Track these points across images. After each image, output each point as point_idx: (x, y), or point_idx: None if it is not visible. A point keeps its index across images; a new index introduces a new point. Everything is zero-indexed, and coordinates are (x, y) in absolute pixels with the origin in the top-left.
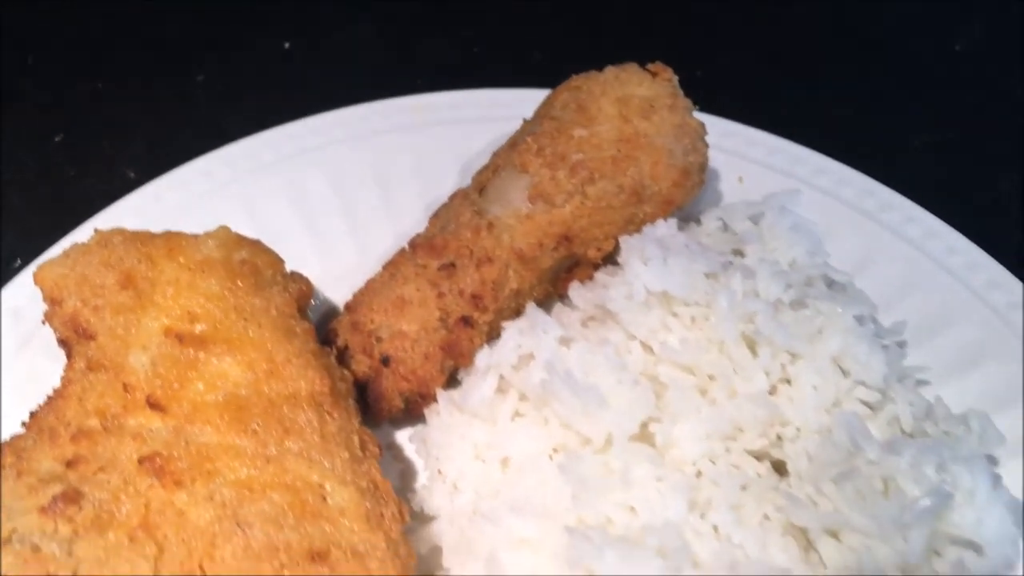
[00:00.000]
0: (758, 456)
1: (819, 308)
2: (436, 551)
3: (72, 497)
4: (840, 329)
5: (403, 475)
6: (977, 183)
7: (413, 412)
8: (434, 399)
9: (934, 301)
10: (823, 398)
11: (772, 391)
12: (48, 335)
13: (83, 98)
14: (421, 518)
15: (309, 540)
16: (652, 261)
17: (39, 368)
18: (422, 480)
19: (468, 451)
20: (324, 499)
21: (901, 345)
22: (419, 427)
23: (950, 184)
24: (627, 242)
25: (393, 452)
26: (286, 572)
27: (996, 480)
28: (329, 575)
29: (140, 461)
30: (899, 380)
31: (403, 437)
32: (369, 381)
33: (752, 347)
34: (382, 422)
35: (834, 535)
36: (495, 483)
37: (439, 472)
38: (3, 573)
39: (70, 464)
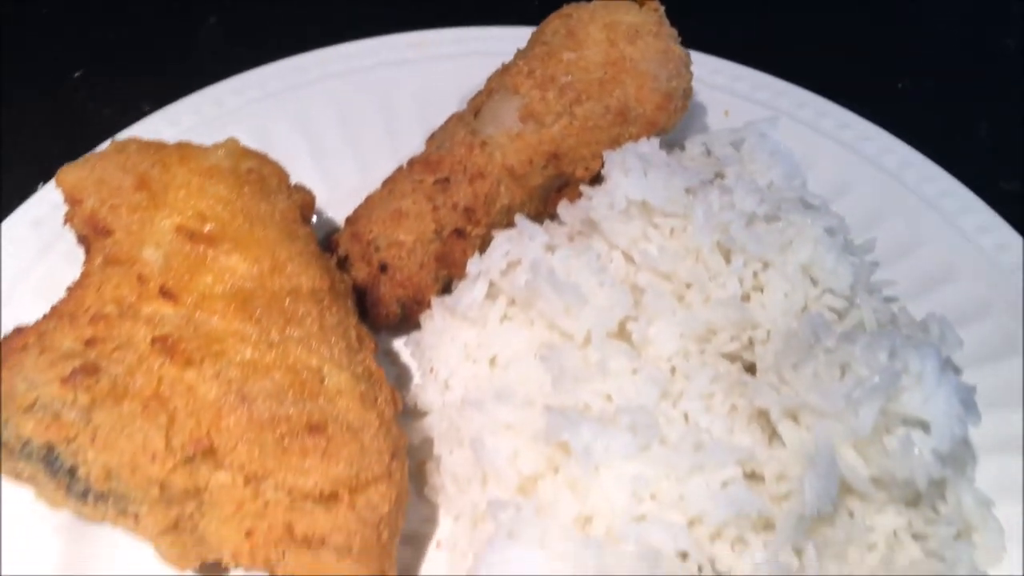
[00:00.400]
0: (731, 358)
1: (791, 220)
2: (428, 442)
3: (90, 370)
4: (810, 239)
5: (399, 377)
6: (956, 127)
7: (409, 318)
8: (428, 305)
9: (906, 225)
10: (792, 303)
11: (745, 298)
12: (66, 243)
13: (102, 38)
14: (414, 413)
15: (307, 415)
16: (633, 172)
17: (58, 272)
18: (416, 380)
19: (459, 351)
20: (322, 381)
21: (873, 265)
22: (414, 333)
23: (930, 127)
24: (610, 156)
25: (390, 358)
26: (286, 441)
27: (944, 365)
28: (325, 445)
29: (153, 342)
30: (866, 290)
31: (399, 344)
32: (368, 287)
33: (726, 255)
34: (380, 329)
35: (793, 417)
36: (483, 379)
37: (431, 371)
38: (27, 437)
39: (88, 343)
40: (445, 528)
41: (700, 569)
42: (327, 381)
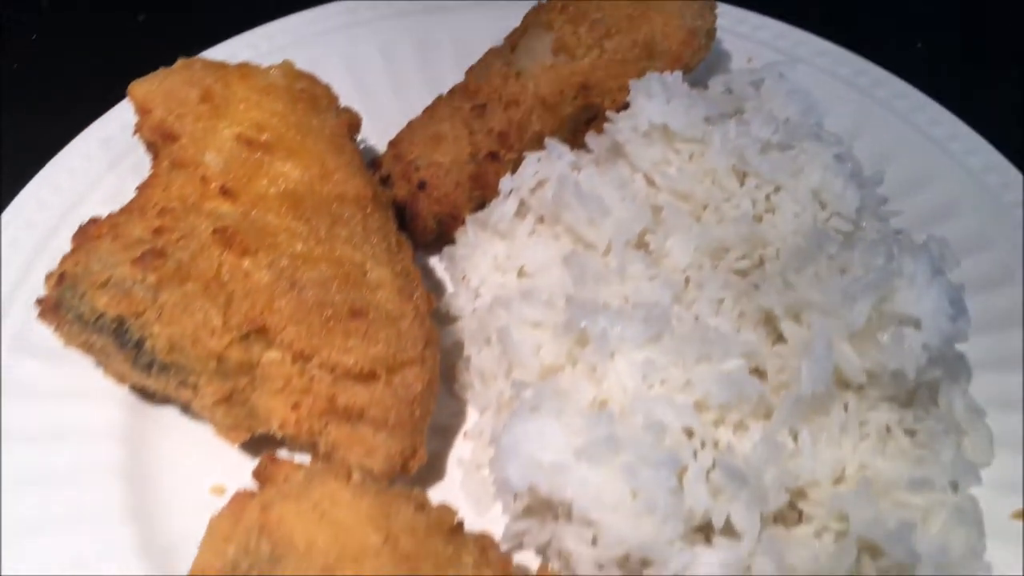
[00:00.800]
0: (741, 275)
1: (803, 148)
2: (458, 345)
3: (158, 253)
4: (820, 165)
5: (433, 288)
6: (975, 85)
7: (444, 235)
8: (462, 222)
9: (915, 164)
10: (801, 224)
11: (757, 219)
12: (133, 158)
13: None
14: (446, 319)
15: (350, 302)
16: (656, 98)
17: (126, 184)
18: (449, 290)
19: (489, 263)
20: (364, 274)
21: (881, 198)
22: (447, 247)
23: (949, 84)
24: (635, 83)
25: (425, 272)
26: (331, 323)
27: (937, 268)
28: (366, 328)
29: (214, 232)
30: (872, 216)
31: (434, 261)
32: (407, 203)
33: (741, 178)
34: (418, 246)
35: (795, 317)
36: (511, 286)
37: (463, 278)
38: (101, 310)
39: (156, 232)
40: (472, 420)
41: (702, 446)
42: (369, 275)
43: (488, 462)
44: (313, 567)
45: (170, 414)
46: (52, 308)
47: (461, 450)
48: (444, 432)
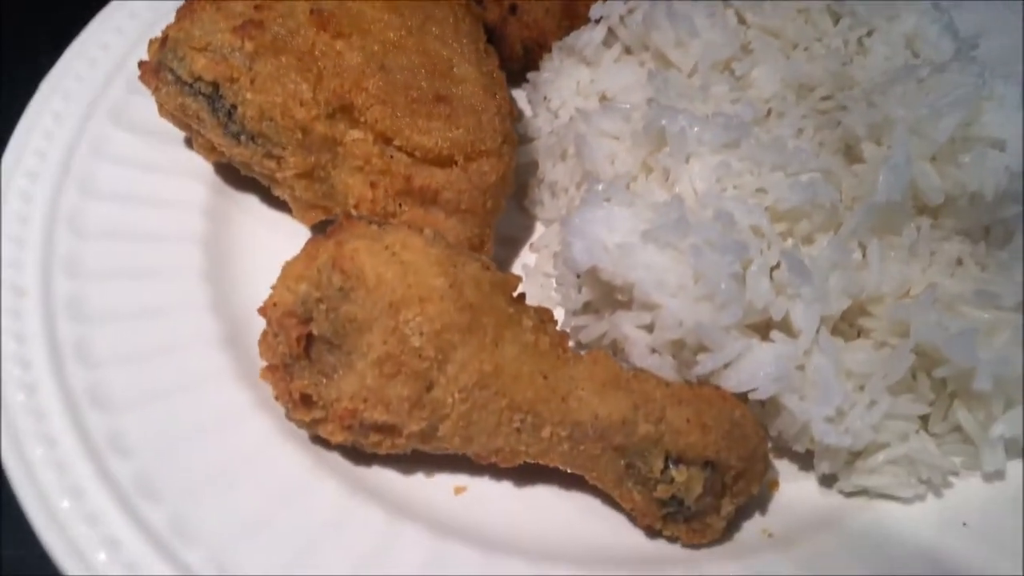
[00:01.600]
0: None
1: None
2: (532, 164)
3: (257, 24)
4: (917, 10)
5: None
6: None
7: (531, 63)
8: (549, 50)
9: (1012, 39)
10: (892, 67)
11: (847, 61)
12: None
13: None
14: (524, 139)
15: (436, 89)
16: None
17: None
18: (529, 114)
19: (572, 86)
20: (451, 68)
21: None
22: (531, 74)
23: None
24: None
25: None
26: (415, 106)
27: None
28: (449, 113)
29: (311, 12)
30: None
31: (520, 95)
32: (497, 27)
33: (835, 18)
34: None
35: (877, 139)
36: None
37: (544, 99)
38: (199, 73)
39: (257, 7)
40: (539, 234)
41: (769, 246)
42: (456, 69)
43: (551, 268)
44: (380, 303)
45: (251, 199)
46: (153, 70)
47: (527, 259)
48: (511, 242)
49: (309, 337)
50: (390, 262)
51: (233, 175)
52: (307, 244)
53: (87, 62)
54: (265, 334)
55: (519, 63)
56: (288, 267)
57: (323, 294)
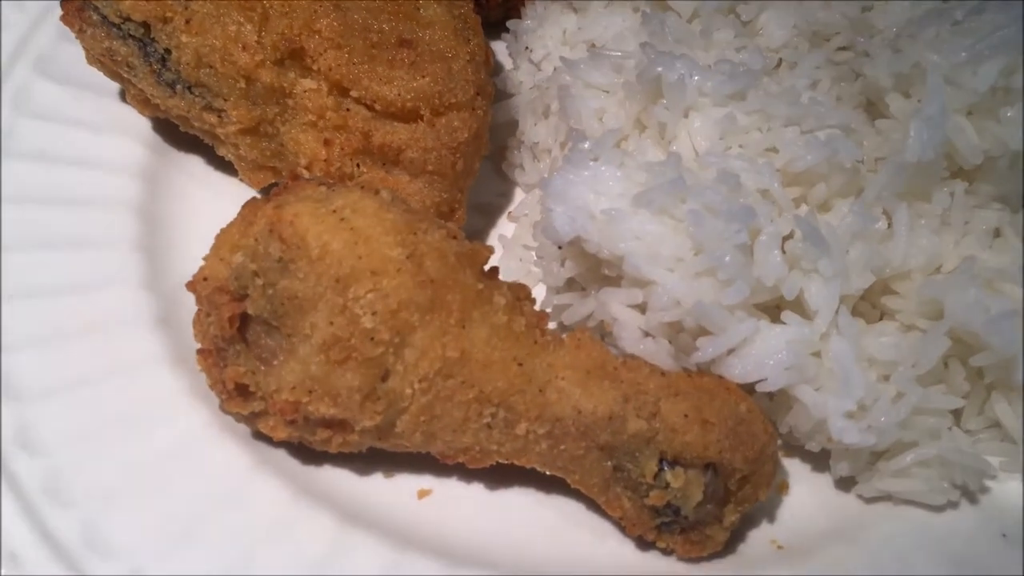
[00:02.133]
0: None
1: None
2: (511, 124)
3: None
4: None
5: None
6: None
7: (510, 12)
8: None
9: None
10: (914, 14)
11: (868, 7)
12: None
13: None
14: (502, 95)
15: (399, 32)
16: None
17: None
18: (508, 67)
19: (557, 35)
20: (418, 8)
21: None
22: (512, 22)
23: None
24: None
25: None
26: (375, 51)
27: None
28: (414, 58)
29: None
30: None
31: (499, 48)
32: None
33: None
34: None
35: (905, 92)
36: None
37: (526, 50)
38: (127, 13)
39: None
40: (517, 201)
41: (780, 213)
42: (423, 11)
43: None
44: (325, 277)
45: (193, 160)
46: (77, 9)
47: (504, 229)
48: (488, 210)
49: (244, 317)
50: (337, 228)
51: (172, 132)
52: (244, 208)
53: (14, 7)
54: (199, 313)
55: (498, 11)
56: (222, 235)
57: (260, 266)
